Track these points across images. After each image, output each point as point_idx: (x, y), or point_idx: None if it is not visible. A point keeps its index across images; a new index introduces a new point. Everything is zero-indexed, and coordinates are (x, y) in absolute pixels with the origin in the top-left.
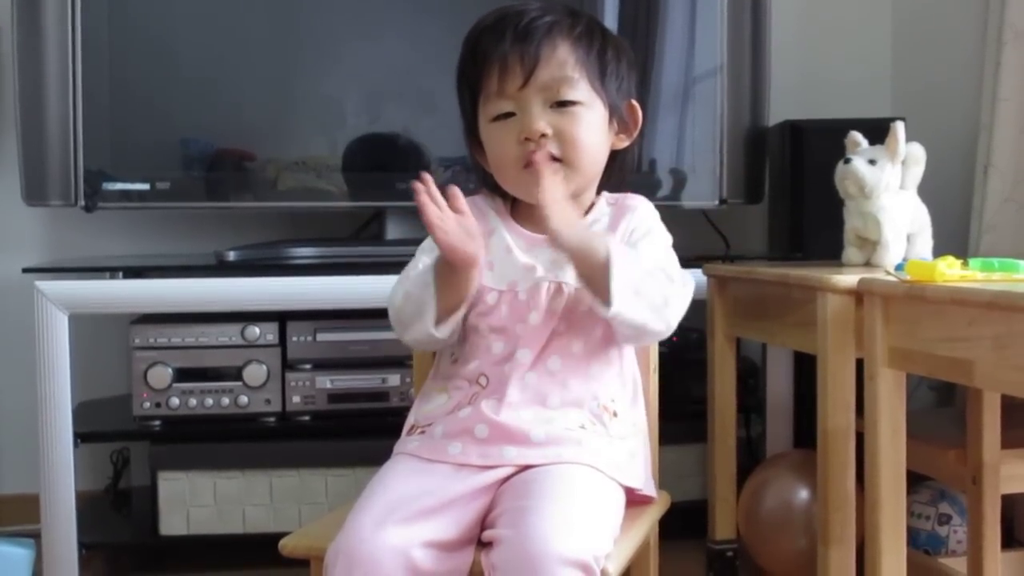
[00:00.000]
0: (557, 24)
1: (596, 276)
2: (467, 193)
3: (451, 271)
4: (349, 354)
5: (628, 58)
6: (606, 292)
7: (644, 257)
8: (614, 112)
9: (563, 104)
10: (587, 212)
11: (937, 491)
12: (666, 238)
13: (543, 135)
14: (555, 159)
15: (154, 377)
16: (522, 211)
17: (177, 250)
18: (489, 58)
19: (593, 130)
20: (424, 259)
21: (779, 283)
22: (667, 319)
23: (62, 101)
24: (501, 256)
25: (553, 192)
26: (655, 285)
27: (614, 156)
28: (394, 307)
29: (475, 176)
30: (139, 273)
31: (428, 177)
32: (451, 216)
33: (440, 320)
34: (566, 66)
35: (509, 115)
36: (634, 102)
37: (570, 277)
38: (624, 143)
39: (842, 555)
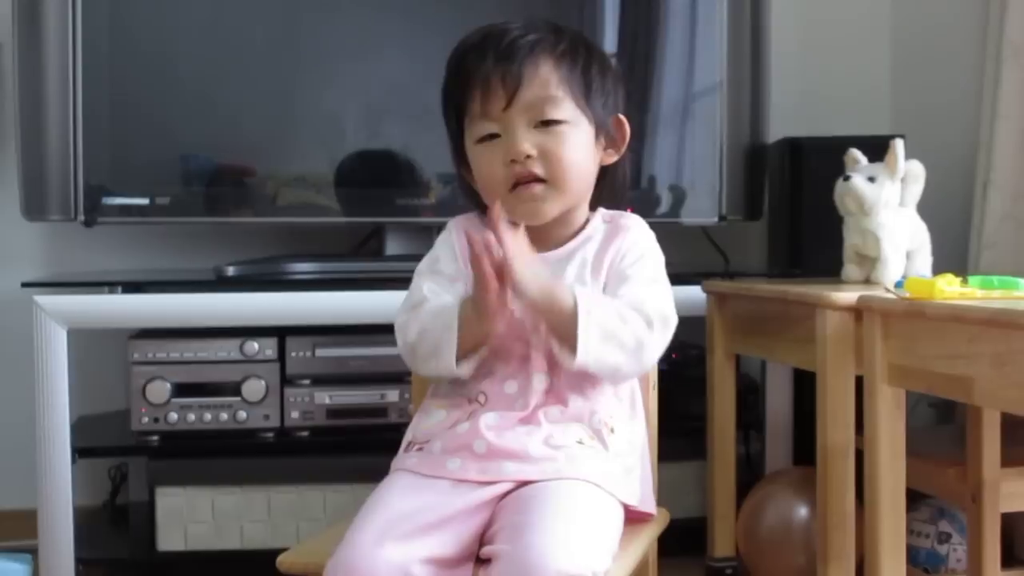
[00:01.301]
0: (540, 42)
1: (564, 325)
2: (463, 210)
3: (478, 316)
4: (348, 370)
5: (614, 72)
6: (573, 340)
7: (628, 293)
8: (600, 128)
9: (547, 123)
10: (580, 230)
11: (937, 509)
12: (658, 262)
13: (528, 156)
14: (540, 180)
15: (153, 392)
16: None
17: (176, 265)
18: (472, 79)
19: (579, 148)
20: (430, 285)
21: (778, 300)
22: (642, 362)
23: (62, 116)
24: None
25: (513, 247)
26: (628, 330)
27: (603, 172)
28: (407, 342)
29: (464, 196)
30: (138, 288)
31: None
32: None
33: (462, 358)
34: (549, 85)
35: (494, 136)
36: (621, 116)
37: None
38: (612, 158)
39: (841, 573)
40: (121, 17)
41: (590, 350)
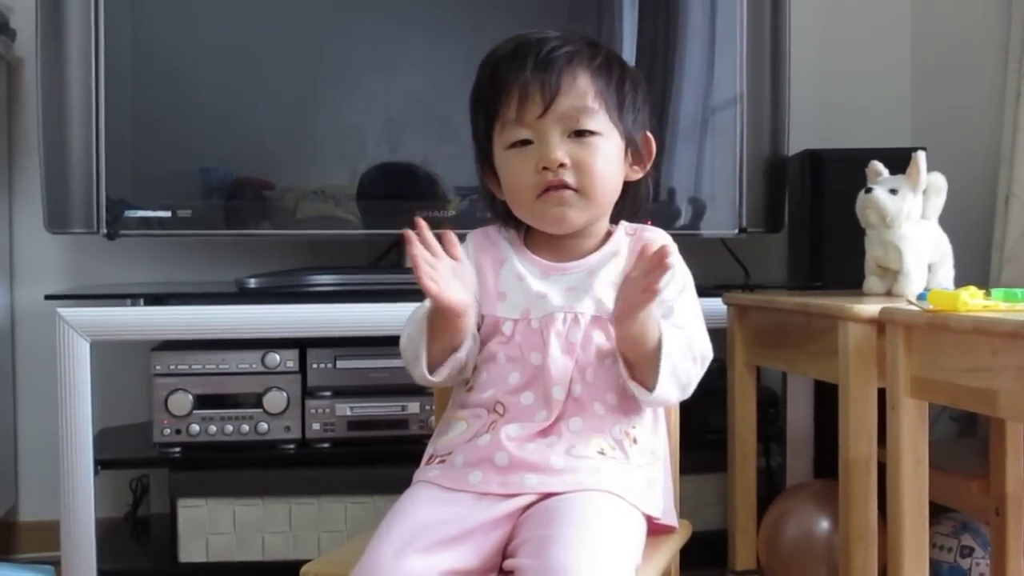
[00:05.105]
0: (577, 54)
1: (646, 359)
2: (483, 223)
3: (442, 319)
4: (369, 381)
5: (643, 90)
6: (652, 378)
7: (680, 327)
8: (629, 144)
9: (581, 134)
10: (603, 242)
11: (959, 523)
12: (690, 281)
13: (561, 164)
14: (571, 188)
15: (174, 404)
16: (535, 239)
17: (197, 277)
18: (508, 85)
19: (609, 161)
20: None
21: (800, 312)
22: (685, 395)
23: (85, 130)
24: (513, 285)
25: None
26: (686, 368)
27: (627, 187)
28: (401, 348)
29: (485, 203)
30: (160, 300)
31: (422, 223)
32: (444, 265)
33: (434, 367)
34: (586, 96)
35: (526, 143)
36: (648, 134)
37: (584, 307)
38: (638, 175)
39: None
40: (143, 32)
41: (664, 389)
